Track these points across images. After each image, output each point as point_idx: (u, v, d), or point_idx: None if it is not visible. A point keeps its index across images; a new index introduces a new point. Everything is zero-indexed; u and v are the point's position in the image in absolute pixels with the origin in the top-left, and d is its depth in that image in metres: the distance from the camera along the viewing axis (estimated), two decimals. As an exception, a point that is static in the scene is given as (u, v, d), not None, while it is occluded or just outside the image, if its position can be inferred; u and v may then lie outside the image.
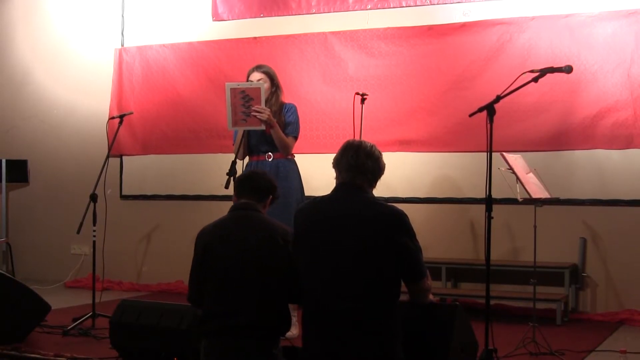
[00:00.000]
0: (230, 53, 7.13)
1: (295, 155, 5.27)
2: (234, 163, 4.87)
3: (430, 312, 3.50)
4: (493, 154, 3.83)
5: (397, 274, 3.31)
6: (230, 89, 4.94)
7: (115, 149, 7.12)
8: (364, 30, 6.63)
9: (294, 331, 4.70)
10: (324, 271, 3.32)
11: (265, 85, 5.08)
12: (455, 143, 6.30)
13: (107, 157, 5.72)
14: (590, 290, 6.04)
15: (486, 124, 3.82)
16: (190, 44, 7.33)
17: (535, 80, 4.00)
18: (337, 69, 6.71)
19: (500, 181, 4.55)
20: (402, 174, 6.41)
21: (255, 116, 4.90)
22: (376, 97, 6.33)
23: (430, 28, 6.43)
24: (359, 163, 3.40)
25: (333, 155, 3.50)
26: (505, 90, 3.91)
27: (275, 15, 7.00)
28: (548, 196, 4.94)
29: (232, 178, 4.71)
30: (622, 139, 5.86)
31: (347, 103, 6.04)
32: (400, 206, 3.42)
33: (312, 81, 6.78)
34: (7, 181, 7.98)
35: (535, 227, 4.75)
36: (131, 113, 6.27)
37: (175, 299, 6.04)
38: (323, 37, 6.77)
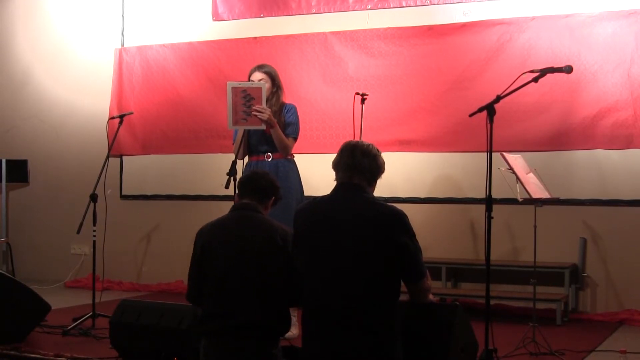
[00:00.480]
0: (230, 53, 7.12)
1: (295, 155, 5.27)
2: (234, 163, 4.87)
3: (430, 312, 3.49)
4: (493, 154, 3.82)
5: (397, 274, 3.31)
6: (232, 87, 4.94)
7: (115, 149, 7.12)
8: (364, 30, 6.63)
9: (294, 331, 4.70)
10: (323, 271, 3.31)
11: (267, 85, 5.08)
12: (455, 143, 6.30)
13: (107, 157, 5.72)
14: (590, 290, 6.04)
15: (486, 124, 3.82)
16: (190, 44, 7.33)
17: (535, 80, 3.99)
18: (337, 69, 6.71)
19: (500, 181, 4.54)
20: (402, 174, 6.41)
21: (256, 116, 4.90)
22: (376, 97, 6.33)
23: (430, 28, 6.43)
24: (355, 162, 3.40)
25: (333, 156, 3.49)
26: (505, 90, 3.91)
27: (275, 15, 7.01)
28: (548, 196, 4.94)
29: (232, 178, 4.72)
30: (622, 139, 5.86)
31: (347, 103, 6.04)
32: (400, 206, 3.42)
33: (312, 81, 6.77)
34: (7, 181, 7.98)
35: (535, 227, 4.75)
36: (131, 113, 6.28)
37: (175, 299, 6.03)
38: (323, 37, 6.77)
